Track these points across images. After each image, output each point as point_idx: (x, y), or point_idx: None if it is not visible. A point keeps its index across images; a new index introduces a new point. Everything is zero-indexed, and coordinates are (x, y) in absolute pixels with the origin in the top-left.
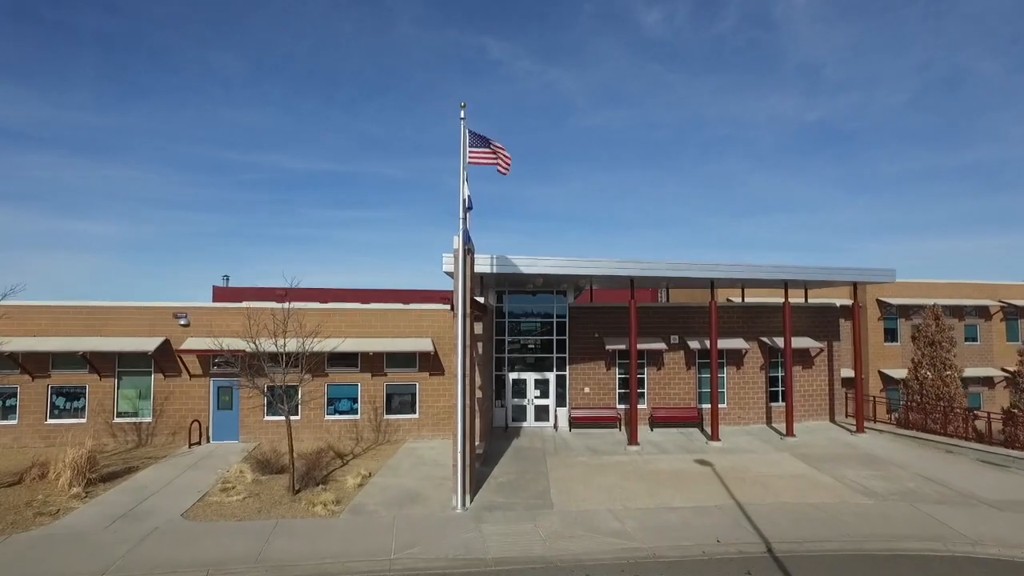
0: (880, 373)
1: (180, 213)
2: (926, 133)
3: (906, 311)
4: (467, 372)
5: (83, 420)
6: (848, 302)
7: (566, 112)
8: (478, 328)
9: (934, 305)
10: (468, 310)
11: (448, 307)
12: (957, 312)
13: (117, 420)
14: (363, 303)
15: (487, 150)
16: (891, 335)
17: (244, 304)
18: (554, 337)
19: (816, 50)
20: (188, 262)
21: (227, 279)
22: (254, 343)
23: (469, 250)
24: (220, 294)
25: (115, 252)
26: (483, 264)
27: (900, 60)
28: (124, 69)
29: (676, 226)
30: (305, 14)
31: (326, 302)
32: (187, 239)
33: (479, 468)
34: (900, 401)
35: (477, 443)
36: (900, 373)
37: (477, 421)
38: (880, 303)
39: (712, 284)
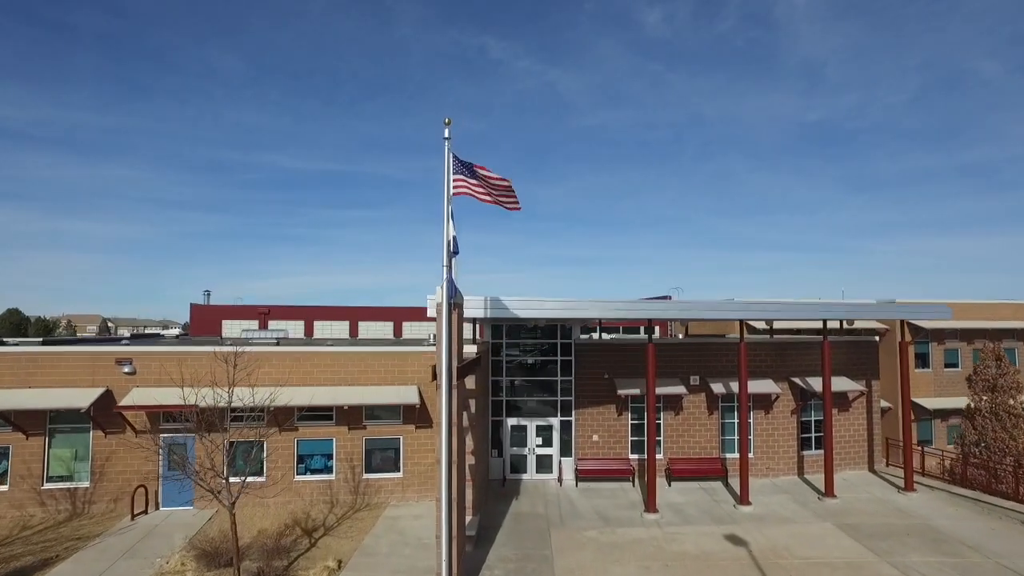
0: (911, 402)
1: (179, 213)
2: (926, 133)
3: (939, 335)
4: (453, 459)
5: (4, 488)
6: (878, 326)
7: (566, 112)
8: (470, 383)
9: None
10: (454, 381)
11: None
12: (993, 335)
13: (47, 486)
14: (352, 321)
15: (476, 182)
16: (922, 360)
17: (195, 348)
18: (558, 378)
19: (817, 50)
20: (188, 264)
21: (208, 294)
22: (186, 411)
23: (456, 304)
24: (198, 313)
25: (114, 252)
26: (475, 307)
27: (900, 60)
28: (124, 69)
29: (675, 225)
30: (305, 14)
31: (313, 320)
32: (186, 239)
33: (470, 552)
34: (932, 437)
35: (469, 517)
36: (933, 403)
37: (468, 491)
38: (910, 326)
39: (742, 325)
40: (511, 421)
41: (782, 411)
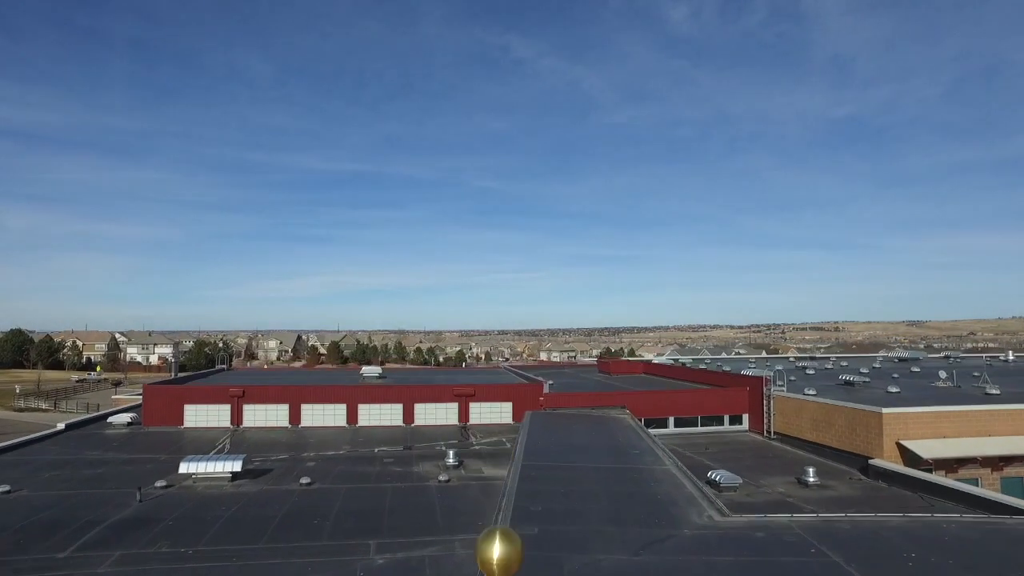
0: None
1: (206, 214)
2: (961, 126)
3: None
4: None
5: None
6: None
7: (589, 109)
8: None
9: None
10: None
11: None
12: None
13: None
14: (350, 404)
15: None
16: None
17: None
18: None
19: (847, 43)
20: (213, 264)
21: (177, 358)
22: None
23: None
24: (153, 396)
25: (138, 253)
26: None
27: (935, 51)
28: (152, 73)
29: (700, 223)
30: (330, 15)
31: (299, 403)
32: (213, 240)
33: None
34: None
35: None
36: None
37: None
38: None
39: None
40: None
41: None
